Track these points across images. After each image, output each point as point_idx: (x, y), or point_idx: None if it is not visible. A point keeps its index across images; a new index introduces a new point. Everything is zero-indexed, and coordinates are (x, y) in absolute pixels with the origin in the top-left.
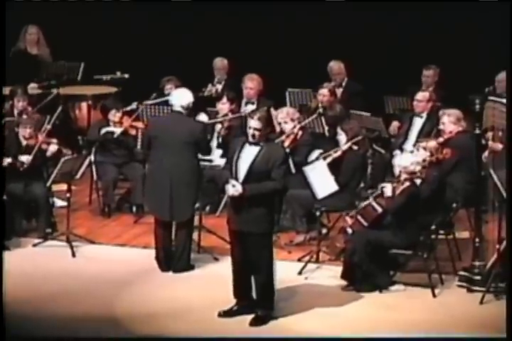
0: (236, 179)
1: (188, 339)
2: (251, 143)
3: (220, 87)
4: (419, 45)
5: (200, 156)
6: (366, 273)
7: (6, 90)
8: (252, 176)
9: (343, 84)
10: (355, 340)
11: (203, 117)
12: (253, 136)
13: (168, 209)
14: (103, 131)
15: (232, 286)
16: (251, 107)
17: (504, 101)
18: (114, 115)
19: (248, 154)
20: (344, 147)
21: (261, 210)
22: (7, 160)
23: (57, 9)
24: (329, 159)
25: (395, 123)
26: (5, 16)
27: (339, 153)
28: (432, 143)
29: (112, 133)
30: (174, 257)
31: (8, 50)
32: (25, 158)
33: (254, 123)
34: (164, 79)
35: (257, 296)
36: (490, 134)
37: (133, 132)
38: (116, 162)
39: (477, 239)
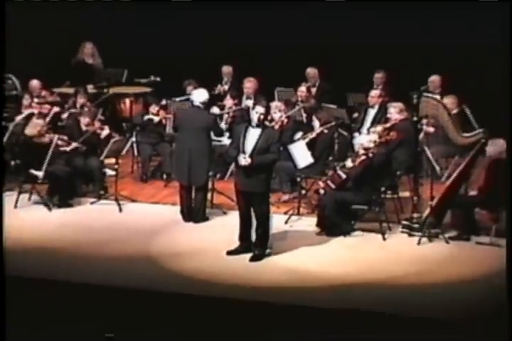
0: (244, 153)
1: None
2: (253, 127)
3: (226, 87)
4: (371, 54)
5: (212, 138)
6: (334, 222)
7: (71, 90)
8: (256, 151)
9: (317, 84)
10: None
11: (215, 109)
12: (259, 118)
13: (187, 176)
14: (145, 117)
15: (239, 232)
16: (249, 102)
17: (435, 96)
18: (154, 108)
19: (252, 135)
20: (317, 130)
21: (262, 176)
22: (73, 144)
23: (56, 8)
24: (307, 139)
25: (356, 115)
26: (5, 16)
27: (314, 135)
28: (381, 128)
29: (152, 120)
30: (194, 211)
31: (7, 49)
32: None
33: (261, 109)
34: (186, 82)
35: (255, 239)
36: (424, 121)
37: (164, 121)
38: (151, 142)
39: (415, 198)
